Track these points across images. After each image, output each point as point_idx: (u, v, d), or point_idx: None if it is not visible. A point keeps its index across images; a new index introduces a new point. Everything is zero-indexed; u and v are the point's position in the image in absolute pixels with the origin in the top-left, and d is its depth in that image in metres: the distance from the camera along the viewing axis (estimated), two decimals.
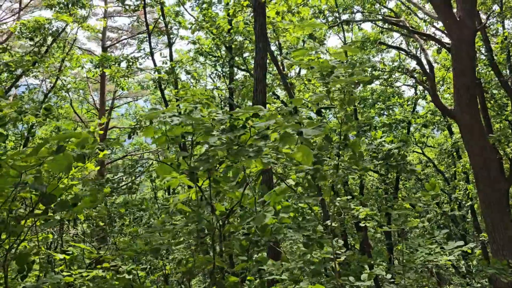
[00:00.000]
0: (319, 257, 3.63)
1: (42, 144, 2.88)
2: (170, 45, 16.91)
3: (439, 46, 13.19)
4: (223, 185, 3.26)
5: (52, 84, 17.66)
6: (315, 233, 3.37)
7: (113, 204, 6.26)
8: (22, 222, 3.08)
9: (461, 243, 5.30)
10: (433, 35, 13.52)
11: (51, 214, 3.10)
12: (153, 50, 16.96)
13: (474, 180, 16.39)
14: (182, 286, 5.16)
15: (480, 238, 16.65)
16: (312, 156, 2.81)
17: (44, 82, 19.65)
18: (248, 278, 4.25)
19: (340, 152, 4.60)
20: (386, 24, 15.14)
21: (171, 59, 16.50)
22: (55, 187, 3.14)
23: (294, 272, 3.41)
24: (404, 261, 5.03)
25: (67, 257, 4.17)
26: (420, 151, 20.99)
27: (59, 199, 3.10)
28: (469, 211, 18.15)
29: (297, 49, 3.21)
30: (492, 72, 14.71)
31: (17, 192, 3.21)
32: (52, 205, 3.03)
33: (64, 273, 3.69)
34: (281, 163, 3.04)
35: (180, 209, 3.55)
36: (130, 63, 16.02)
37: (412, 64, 19.60)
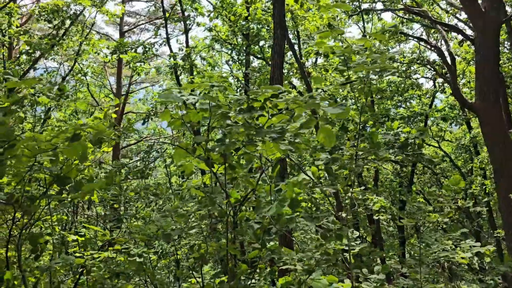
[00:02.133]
0: (334, 248, 3.57)
1: (62, 131, 2.87)
2: (186, 31, 16.83)
3: (462, 37, 12.86)
4: (239, 171, 3.20)
5: (70, 68, 17.80)
6: (333, 225, 3.31)
7: (127, 188, 6.28)
8: (36, 202, 3.09)
9: (478, 244, 5.17)
10: (456, 26, 13.19)
11: (65, 195, 3.10)
12: (169, 36, 16.92)
13: (491, 176, 16.08)
14: (194, 272, 5.15)
15: (495, 235, 16.38)
16: (334, 137, 2.73)
17: (62, 65, 19.82)
18: (259, 266, 4.22)
19: (355, 143, 4.50)
20: (407, 14, 14.81)
21: (187, 46, 16.44)
22: (70, 169, 3.13)
23: (308, 262, 3.36)
24: (418, 255, 4.94)
25: (80, 238, 4.19)
26: (436, 145, 20.66)
27: (73, 180, 3.09)
28: (485, 207, 17.85)
29: (322, 31, 3.11)
30: None
31: (32, 173, 3.21)
32: (67, 187, 3.03)
33: (77, 255, 3.71)
34: (300, 150, 2.96)
35: (193, 194, 3.51)
36: (147, 49, 16.02)
37: (431, 56, 19.20)
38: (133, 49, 15.94)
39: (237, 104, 2.77)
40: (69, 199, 3.24)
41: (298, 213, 3.57)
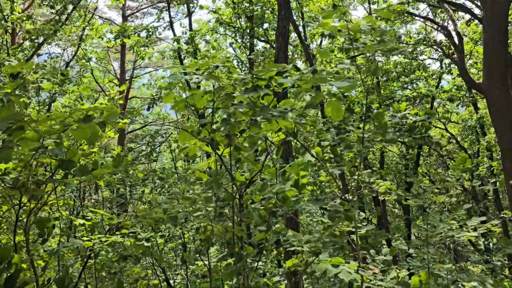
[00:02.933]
0: (340, 230, 3.56)
1: (72, 113, 2.85)
2: (189, 14, 16.67)
3: (470, 17, 12.62)
4: (244, 153, 3.18)
5: (73, 53, 17.74)
6: (341, 206, 3.29)
7: (134, 172, 6.30)
8: (42, 187, 3.09)
9: (484, 218, 5.14)
10: (463, 5, 12.94)
11: (71, 179, 3.10)
12: (172, 19, 16.78)
13: (498, 157, 15.96)
14: (201, 256, 5.19)
15: (502, 216, 16.37)
16: (342, 110, 2.69)
17: (65, 51, 19.76)
18: (265, 248, 4.23)
19: (361, 125, 4.45)
20: None
21: (190, 29, 16.30)
22: (74, 153, 3.12)
23: (315, 245, 3.36)
24: (424, 237, 4.92)
25: (87, 223, 4.21)
26: (443, 126, 20.52)
27: (78, 165, 3.09)
28: (491, 189, 17.80)
29: (327, 11, 3.03)
30: None
31: (37, 157, 3.20)
32: (72, 171, 3.02)
33: (84, 238, 3.73)
34: (307, 127, 2.94)
35: (199, 177, 3.51)
36: (150, 33, 15.91)
37: (438, 37, 18.91)
38: (136, 34, 15.83)
39: (242, 84, 2.72)
40: (76, 183, 3.24)
41: (303, 195, 3.56)
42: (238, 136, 3.10)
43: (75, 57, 17.74)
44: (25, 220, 3.40)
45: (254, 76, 2.67)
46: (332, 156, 4.18)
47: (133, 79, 22.21)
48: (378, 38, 3.36)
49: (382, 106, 13.25)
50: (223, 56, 2.84)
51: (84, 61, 18.23)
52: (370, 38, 3.23)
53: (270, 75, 2.67)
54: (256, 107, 2.65)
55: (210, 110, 3.22)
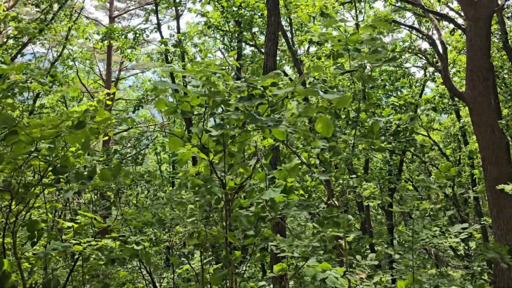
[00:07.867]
0: (329, 236, 3.62)
1: (65, 118, 2.85)
2: (177, 17, 16.65)
3: (454, 26, 12.91)
4: (237, 159, 3.22)
5: (58, 53, 17.53)
6: (331, 212, 3.35)
7: (121, 176, 6.27)
8: (32, 189, 3.08)
9: (466, 225, 5.27)
10: (447, 15, 13.23)
11: (63, 184, 3.09)
12: (160, 22, 16.72)
13: (479, 165, 16.31)
14: (187, 259, 5.20)
15: (482, 222, 16.70)
16: (332, 126, 2.76)
17: (50, 50, 19.50)
18: (249, 252, 4.26)
19: (347, 132, 4.53)
20: (400, 2, 14.81)
21: (178, 32, 16.28)
22: (66, 158, 3.12)
23: (304, 249, 3.41)
24: (409, 242, 5.03)
25: (75, 225, 4.19)
26: (426, 133, 20.86)
27: (70, 169, 3.08)
28: (472, 195, 18.15)
29: (326, 21, 3.10)
30: (505, 56, 14.44)
31: (28, 160, 3.19)
32: (64, 175, 3.02)
33: (72, 241, 3.72)
34: (296, 137, 3.00)
35: (192, 181, 3.53)
36: (137, 35, 15.83)
37: (423, 45, 19.28)
38: (123, 35, 15.74)
39: (237, 92, 2.77)
40: (75, 189, 3.23)
41: (292, 201, 3.60)
42: (229, 142, 3.14)
43: (60, 57, 17.54)
44: (12, 222, 3.37)
45: (250, 85, 2.72)
46: (319, 161, 4.25)
47: (119, 80, 22.05)
48: (371, 48, 3.45)
49: (367, 113, 13.43)
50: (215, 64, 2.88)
51: (69, 61, 18.04)
52: (364, 47, 3.31)
53: (264, 85, 2.72)
54: (251, 116, 2.71)
55: (197, 114, 3.26)
